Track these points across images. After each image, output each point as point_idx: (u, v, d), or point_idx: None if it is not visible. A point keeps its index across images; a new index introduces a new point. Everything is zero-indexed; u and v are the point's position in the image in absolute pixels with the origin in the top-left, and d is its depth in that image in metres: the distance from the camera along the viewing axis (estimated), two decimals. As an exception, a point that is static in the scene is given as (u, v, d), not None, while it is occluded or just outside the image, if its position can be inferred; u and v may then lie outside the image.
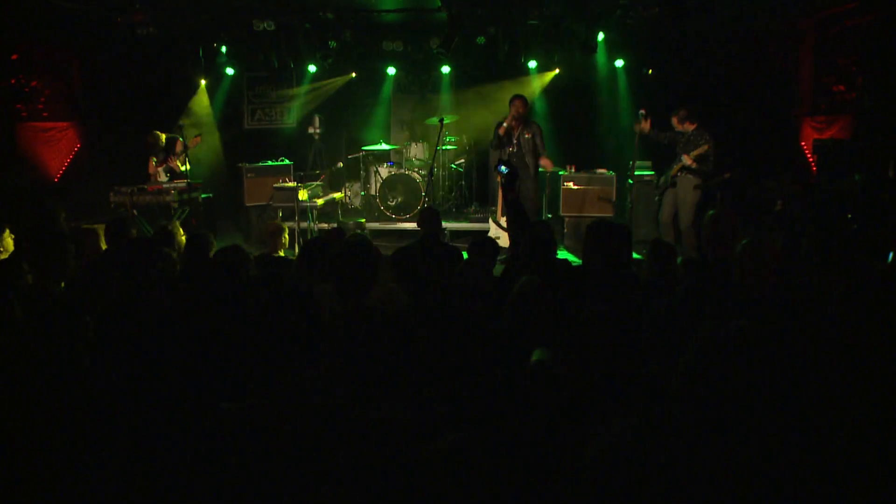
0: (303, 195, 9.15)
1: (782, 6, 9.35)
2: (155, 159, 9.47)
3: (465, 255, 5.26)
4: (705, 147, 8.23)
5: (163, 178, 9.28)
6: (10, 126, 10.77)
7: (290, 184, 9.11)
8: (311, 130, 11.61)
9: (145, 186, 8.53)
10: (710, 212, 4.54)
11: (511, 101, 9.02)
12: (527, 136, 8.93)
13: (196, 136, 9.46)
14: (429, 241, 5.69)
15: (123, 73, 11.82)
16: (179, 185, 8.62)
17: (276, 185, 9.22)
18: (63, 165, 11.74)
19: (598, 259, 3.87)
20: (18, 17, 9.82)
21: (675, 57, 10.80)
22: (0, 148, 10.65)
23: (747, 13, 9.51)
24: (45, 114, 11.42)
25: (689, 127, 8.46)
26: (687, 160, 8.28)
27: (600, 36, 10.18)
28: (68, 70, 11.83)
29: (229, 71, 11.82)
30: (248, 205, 10.16)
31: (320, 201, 9.58)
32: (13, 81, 10.94)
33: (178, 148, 9.42)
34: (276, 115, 12.87)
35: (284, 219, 8.41)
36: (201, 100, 12.20)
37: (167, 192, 8.44)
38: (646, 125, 8.50)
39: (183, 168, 9.20)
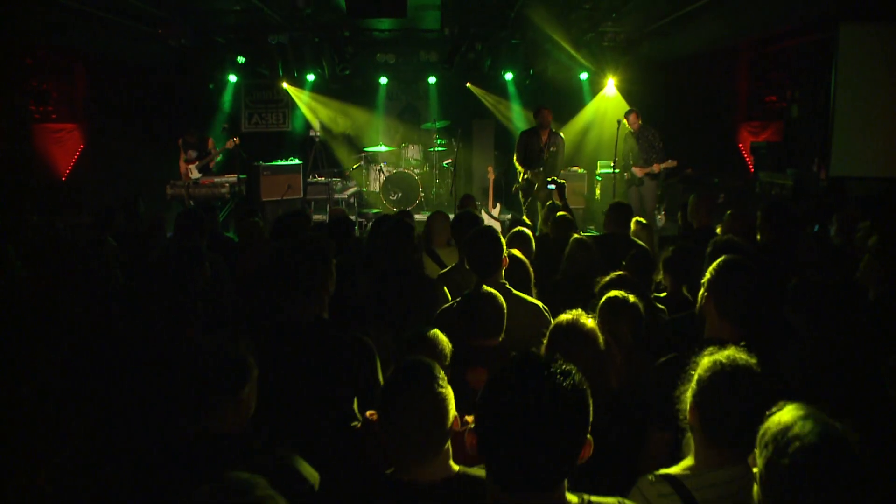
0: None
1: (725, 31, 10.63)
2: (185, 157, 10.47)
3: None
4: (673, 163, 9.75)
5: (195, 174, 10.31)
6: (25, 127, 11.20)
7: (322, 179, 10.29)
8: (311, 133, 12.72)
9: (199, 180, 9.55)
10: (692, 195, 6.10)
11: (538, 113, 9.72)
12: (552, 149, 9.63)
13: (234, 139, 10.44)
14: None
15: (129, 78, 12.55)
16: (230, 178, 9.70)
17: (309, 180, 10.36)
18: (69, 165, 12.30)
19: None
20: (30, 22, 10.00)
21: (637, 73, 12.32)
22: (18, 148, 11.00)
23: (696, 37, 10.88)
24: (53, 115, 11.90)
25: (637, 122, 9.80)
26: (657, 168, 9.79)
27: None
28: (74, 74, 12.33)
29: (232, 78, 12.93)
30: (264, 199, 11.17)
31: (348, 193, 10.81)
32: (34, 84, 11.46)
33: (210, 146, 10.45)
34: (271, 120, 13.94)
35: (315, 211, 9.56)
36: (205, 103, 13.20)
37: (221, 185, 9.52)
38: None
39: (212, 166, 10.26)
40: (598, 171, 12.01)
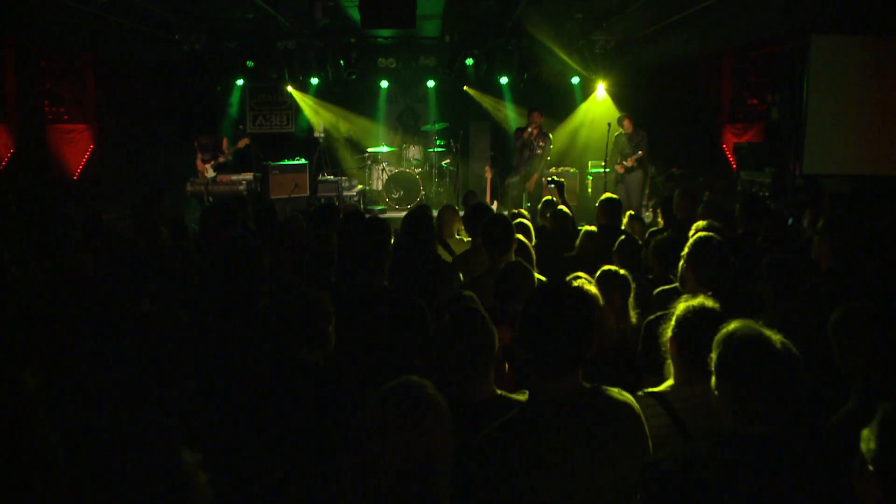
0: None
1: (709, 38, 11.26)
2: (202, 157, 11.05)
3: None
4: (640, 153, 10.53)
5: (210, 173, 10.88)
6: (40, 128, 11.69)
7: (332, 178, 10.90)
8: (316, 134, 13.31)
9: (217, 177, 10.15)
10: (677, 189, 6.74)
11: (530, 113, 10.97)
12: (540, 144, 10.95)
13: (245, 139, 11.01)
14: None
15: (137, 80, 13.06)
16: (247, 176, 10.29)
17: (319, 178, 10.97)
18: (80, 164, 12.73)
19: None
20: (45, 27, 10.35)
21: (626, 77, 12.99)
22: (34, 147, 11.44)
23: (682, 43, 11.44)
24: (65, 116, 12.35)
25: (630, 126, 10.71)
26: (629, 163, 10.56)
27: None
28: (84, 76, 12.75)
29: (239, 82, 13.51)
30: (272, 197, 11.71)
31: (355, 191, 11.44)
32: (48, 86, 11.88)
33: (224, 146, 11.04)
34: (275, 121, 14.52)
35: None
36: (216, 105, 13.79)
37: (238, 182, 10.12)
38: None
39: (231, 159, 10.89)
40: (590, 170, 12.66)
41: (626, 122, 10.78)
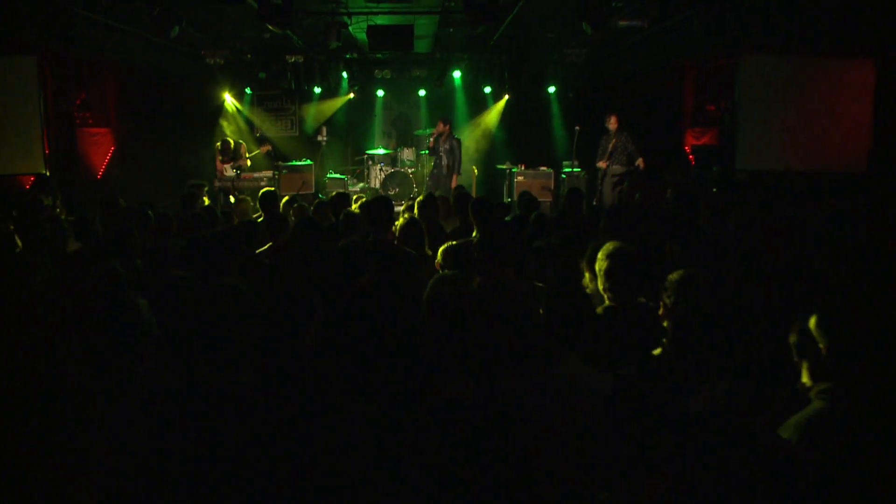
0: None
1: (672, 50, 12.39)
2: (221, 159, 12.49)
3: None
4: (613, 142, 11.83)
5: (230, 173, 12.34)
6: (71, 131, 12.63)
7: (340, 175, 12.44)
8: (319, 138, 14.83)
9: (239, 174, 11.67)
10: (647, 182, 8.33)
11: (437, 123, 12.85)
12: (445, 147, 12.69)
13: (267, 145, 12.47)
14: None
15: (155, 88, 14.26)
16: (266, 174, 11.79)
17: (328, 175, 12.48)
18: (103, 165, 13.76)
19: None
20: (71, 37, 11.19)
21: (594, 84, 14.54)
22: (67, 148, 12.40)
23: (648, 56, 13.03)
24: (90, 121, 13.36)
25: (615, 124, 11.92)
26: (603, 165, 11.95)
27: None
28: (106, 84, 13.73)
29: (248, 90, 15.01)
30: (282, 193, 13.18)
31: (358, 187, 12.99)
32: (84, 95, 13.01)
33: (243, 151, 12.51)
34: (280, 126, 15.96)
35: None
36: (227, 112, 15.28)
37: (260, 179, 11.63)
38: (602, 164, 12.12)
39: (248, 166, 12.37)
40: (563, 169, 14.19)
41: (613, 119, 11.89)
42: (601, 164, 12.04)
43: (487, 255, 4.08)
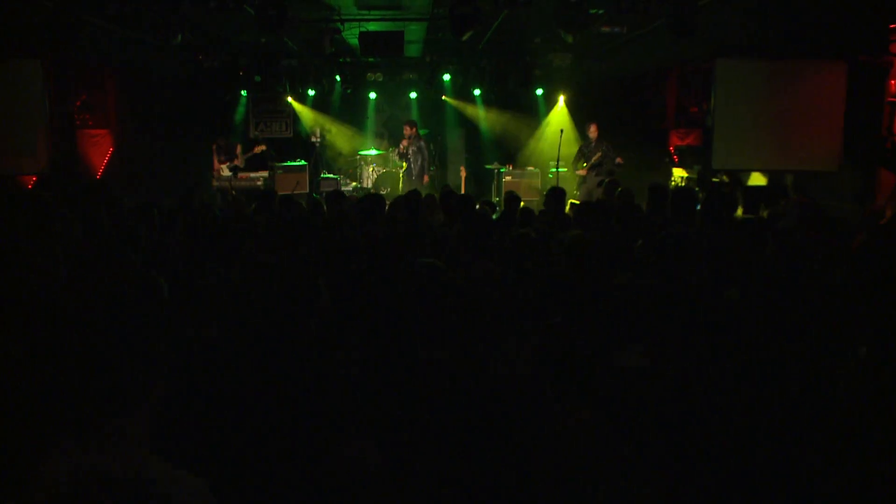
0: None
1: (657, 55, 12.96)
2: (218, 158, 12.90)
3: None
4: (599, 154, 12.36)
5: (226, 172, 12.75)
6: (72, 133, 12.99)
7: (332, 175, 12.88)
8: (313, 139, 15.22)
9: (236, 174, 12.10)
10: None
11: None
12: (413, 149, 13.37)
13: (262, 146, 12.92)
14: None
15: (154, 90, 14.75)
16: (263, 174, 12.21)
17: (321, 176, 12.93)
18: (102, 165, 14.07)
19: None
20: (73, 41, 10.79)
21: (585, 89, 15.00)
22: (67, 150, 12.60)
23: (633, 60, 13.33)
24: (90, 122, 13.56)
25: (596, 132, 12.44)
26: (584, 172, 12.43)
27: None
28: (106, 86, 14.10)
29: (243, 92, 15.43)
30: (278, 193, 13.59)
31: (351, 186, 13.50)
32: (84, 97, 13.41)
33: (238, 151, 12.93)
34: (275, 128, 16.27)
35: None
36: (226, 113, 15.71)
37: (257, 179, 12.05)
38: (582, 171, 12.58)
39: (243, 165, 12.80)
40: (551, 170, 14.64)
41: (593, 127, 12.42)
42: (581, 173, 12.47)
43: (463, 245, 4.51)
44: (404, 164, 13.66)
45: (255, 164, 13.39)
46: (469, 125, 16.41)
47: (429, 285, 3.41)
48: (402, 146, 13.54)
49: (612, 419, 2.41)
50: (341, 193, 8.13)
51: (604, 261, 4.45)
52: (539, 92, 15.49)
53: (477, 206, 7.70)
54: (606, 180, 10.26)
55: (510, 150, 15.44)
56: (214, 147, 12.97)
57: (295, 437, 2.68)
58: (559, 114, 15.28)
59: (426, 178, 13.27)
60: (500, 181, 14.20)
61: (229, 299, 4.05)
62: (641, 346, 2.88)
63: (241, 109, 15.76)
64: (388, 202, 7.80)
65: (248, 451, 2.70)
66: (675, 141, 14.65)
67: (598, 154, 12.24)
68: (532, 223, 7.22)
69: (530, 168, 14.38)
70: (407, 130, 13.52)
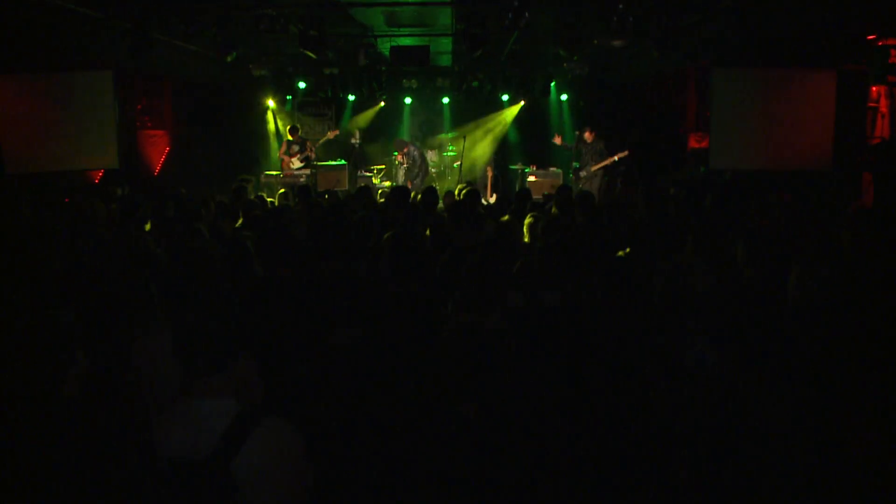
0: (376, 181, 14.85)
1: (676, 59, 13.04)
2: (289, 151, 14.21)
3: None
4: (609, 160, 13.23)
5: (296, 164, 14.10)
6: (133, 133, 14.31)
7: (368, 174, 14.22)
8: (353, 141, 16.50)
9: (281, 173, 13.49)
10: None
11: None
12: (409, 161, 14.97)
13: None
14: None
15: (206, 95, 16.15)
16: (305, 171, 13.61)
17: (360, 174, 14.32)
18: (159, 163, 15.60)
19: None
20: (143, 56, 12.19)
21: (599, 94, 15.94)
22: (130, 149, 13.75)
23: (650, 65, 14.05)
24: (149, 124, 15.12)
25: (590, 137, 13.27)
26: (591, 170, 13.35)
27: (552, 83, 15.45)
28: (163, 92, 15.56)
29: (288, 97, 16.79)
30: (320, 189, 14.81)
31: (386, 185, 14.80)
32: (144, 101, 14.90)
33: (309, 144, 14.34)
34: (318, 129, 17.49)
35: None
36: (271, 117, 17.09)
37: (300, 175, 13.41)
38: (557, 139, 13.71)
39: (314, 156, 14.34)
40: (571, 170, 15.66)
41: (587, 134, 13.25)
42: (582, 173, 13.31)
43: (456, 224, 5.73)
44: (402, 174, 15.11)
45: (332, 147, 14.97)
46: (496, 128, 17.45)
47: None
48: (400, 158, 15.02)
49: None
50: (368, 189, 9.35)
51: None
52: (563, 97, 16.53)
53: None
54: (606, 179, 11.17)
55: (534, 152, 16.37)
56: (285, 143, 14.29)
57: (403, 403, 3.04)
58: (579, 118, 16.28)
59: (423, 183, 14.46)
60: (524, 180, 15.23)
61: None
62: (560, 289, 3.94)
63: (286, 112, 17.10)
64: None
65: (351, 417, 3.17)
66: (693, 144, 15.23)
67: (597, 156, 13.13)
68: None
69: (553, 168, 15.39)
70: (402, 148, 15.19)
